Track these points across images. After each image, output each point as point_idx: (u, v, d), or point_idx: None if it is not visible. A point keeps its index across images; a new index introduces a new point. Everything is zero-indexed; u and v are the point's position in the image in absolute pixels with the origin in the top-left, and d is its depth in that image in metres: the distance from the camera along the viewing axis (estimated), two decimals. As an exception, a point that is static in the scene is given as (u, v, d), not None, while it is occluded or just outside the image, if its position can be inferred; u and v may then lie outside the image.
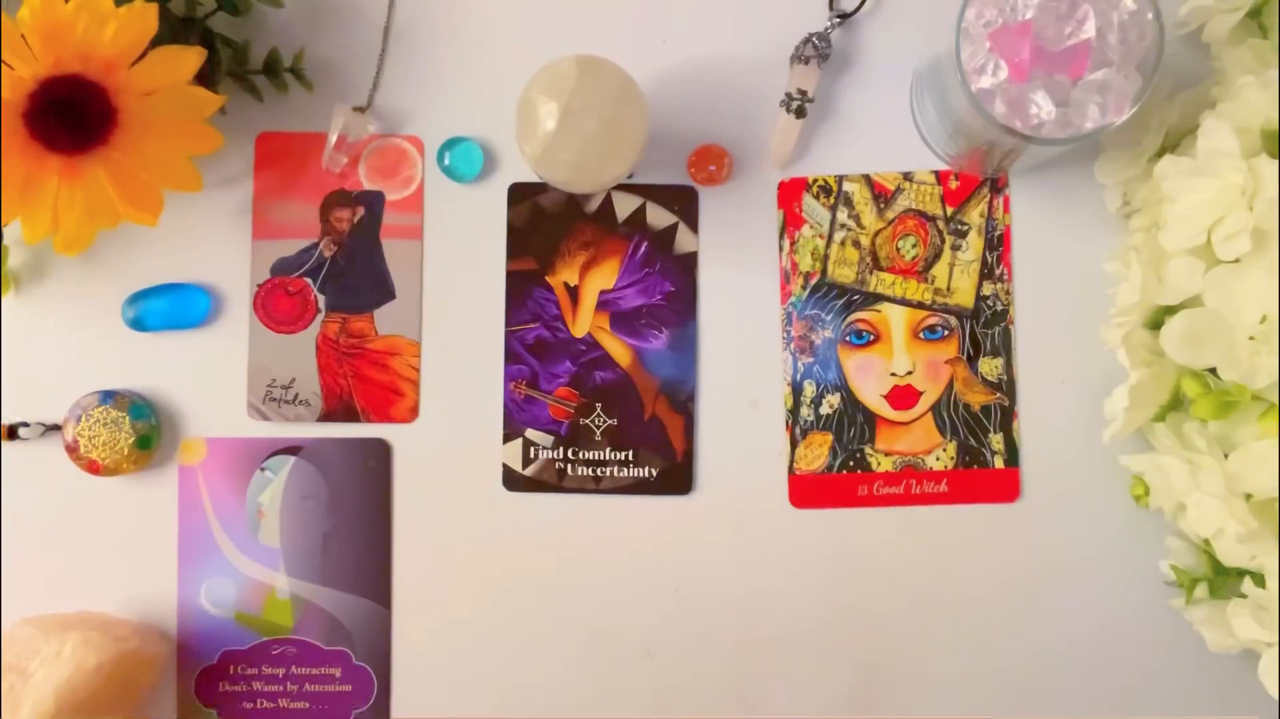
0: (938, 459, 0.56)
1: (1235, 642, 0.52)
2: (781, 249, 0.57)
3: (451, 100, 0.57)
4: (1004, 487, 0.56)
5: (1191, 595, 0.54)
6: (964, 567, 0.56)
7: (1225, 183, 0.46)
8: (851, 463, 0.56)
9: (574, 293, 0.57)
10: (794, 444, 0.56)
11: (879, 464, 0.56)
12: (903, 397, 0.56)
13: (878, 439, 0.56)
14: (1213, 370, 0.48)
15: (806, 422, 0.56)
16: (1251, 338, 0.46)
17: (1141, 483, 0.54)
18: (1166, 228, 0.48)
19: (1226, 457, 0.48)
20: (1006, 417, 0.56)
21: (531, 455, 0.57)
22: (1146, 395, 0.51)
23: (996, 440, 0.56)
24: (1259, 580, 0.50)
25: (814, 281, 0.56)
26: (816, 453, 0.56)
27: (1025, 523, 0.56)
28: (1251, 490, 0.47)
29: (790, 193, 0.57)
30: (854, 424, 0.56)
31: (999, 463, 0.56)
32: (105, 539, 0.57)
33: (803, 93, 0.55)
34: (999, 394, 0.56)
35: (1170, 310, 0.49)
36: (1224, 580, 0.53)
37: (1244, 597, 0.50)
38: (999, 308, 0.56)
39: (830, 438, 0.56)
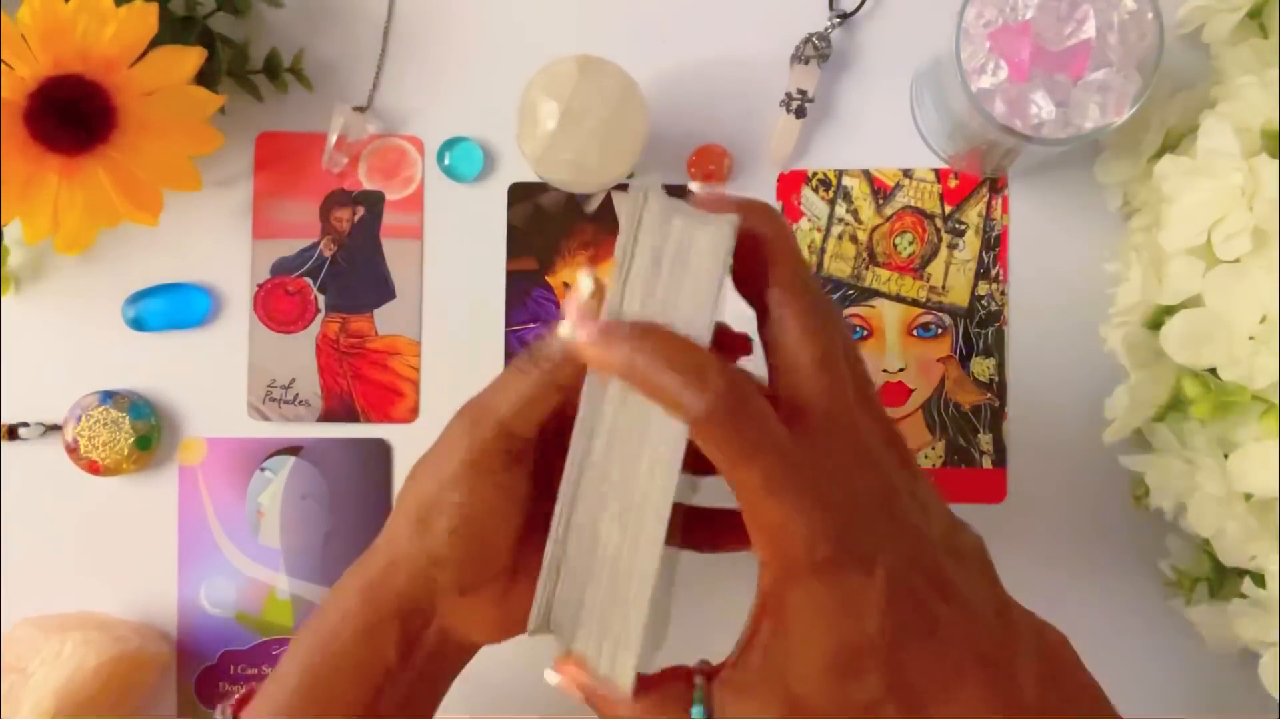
0: (926, 457, 0.56)
1: (1235, 642, 0.52)
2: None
3: (451, 100, 0.57)
4: (991, 487, 0.56)
5: (1191, 595, 0.53)
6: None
7: (1225, 183, 0.46)
8: (845, 460, 0.56)
9: (574, 293, 0.57)
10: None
11: (871, 461, 0.56)
12: (893, 393, 0.56)
13: (870, 436, 0.56)
14: (1213, 370, 0.48)
15: (802, 418, 0.56)
16: (1251, 338, 0.46)
17: (1141, 483, 0.54)
18: (1166, 228, 0.48)
19: (1226, 457, 0.48)
20: (996, 417, 0.56)
21: (531, 455, 0.57)
22: (1146, 395, 0.51)
23: (985, 440, 0.56)
24: (1259, 580, 0.50)
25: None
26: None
27: (1011, 523, 0.56)
28: (1251, 490, 0.47)
29: (789, 185, 0.57)
30: (848, 421, 0.56)
31: (987, 463, 0.56)
32: (105, 539, 0.57)
33: (803, 93, 0.55)
34: (990, 394, 0.56)
35: (1170, 310, 0.49)
36: (1224, 580, 0.53)
37: (1244, 597, 0.50)
38: (993, 308, 0.56)
39: (824, 435, 0.56)
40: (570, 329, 0.33)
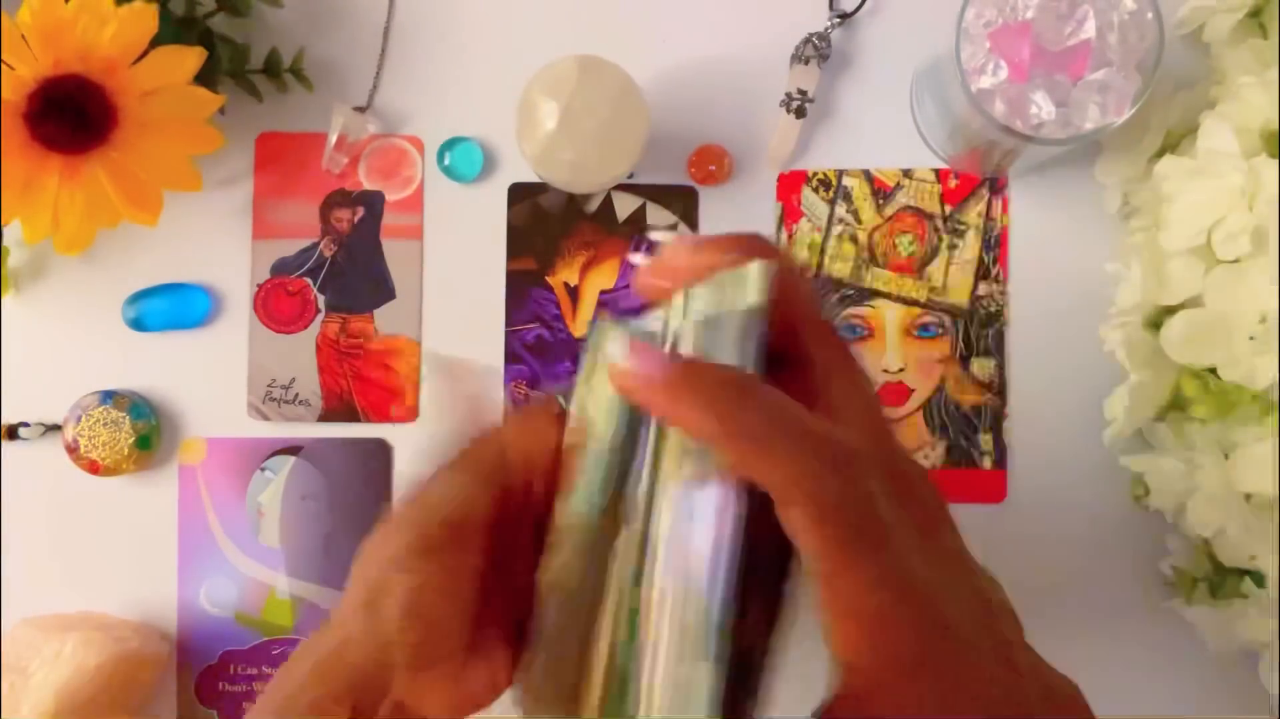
0: (926, 457, 0.56)
1: (1235, 642, 0.52)
2: (778, 241, 0.57)
3: (451, 100, 0.57)
4: (991, 487, 0.56)
5: (1191, 595, 0.53)
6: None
7: (1225, 183, 0.46)
8: (843, 459, 0.56)
9: (574, 293, 0.57)
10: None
11: (870, 461, 0.56)
12: (893, 393, 0.56)
13: (869, 436, 0.56)
14: (1213, 370, 0.48)
15: (801, 418, 0.56)
16: (1251, 338, 0.46)
17: (1141, 483, 0.54)
18: (1166, 228, 0.48)
19: (1226, 457, 0.48)
20: (996, 417, 0.56)
21: (531, 455, 0.56)
22: (1146, 395, 0.51)
23: (986, 441, 0.56)
24: (1259, 580, 0.50)
25: (809, 275, 0.56)
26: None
27: (1011, 523, 0.56)
28: (1251, 490, 0.47)
29: (789, 185, 0.57)
30: (847, 420, 0.56)
31: (987, 463, 0.56)
32: (105, 539, 0.57)
33: (803, 93, 0.55)
34: (990, 394, 0.56)
35: (1170, 310, 0.49)
36: (1224, 580, 0.53)
37: (1244, 597, 0.50)
38: (993, 308, 0.56)
39: (824, 434, 0.56)
40: (632, 362, 0.28)
